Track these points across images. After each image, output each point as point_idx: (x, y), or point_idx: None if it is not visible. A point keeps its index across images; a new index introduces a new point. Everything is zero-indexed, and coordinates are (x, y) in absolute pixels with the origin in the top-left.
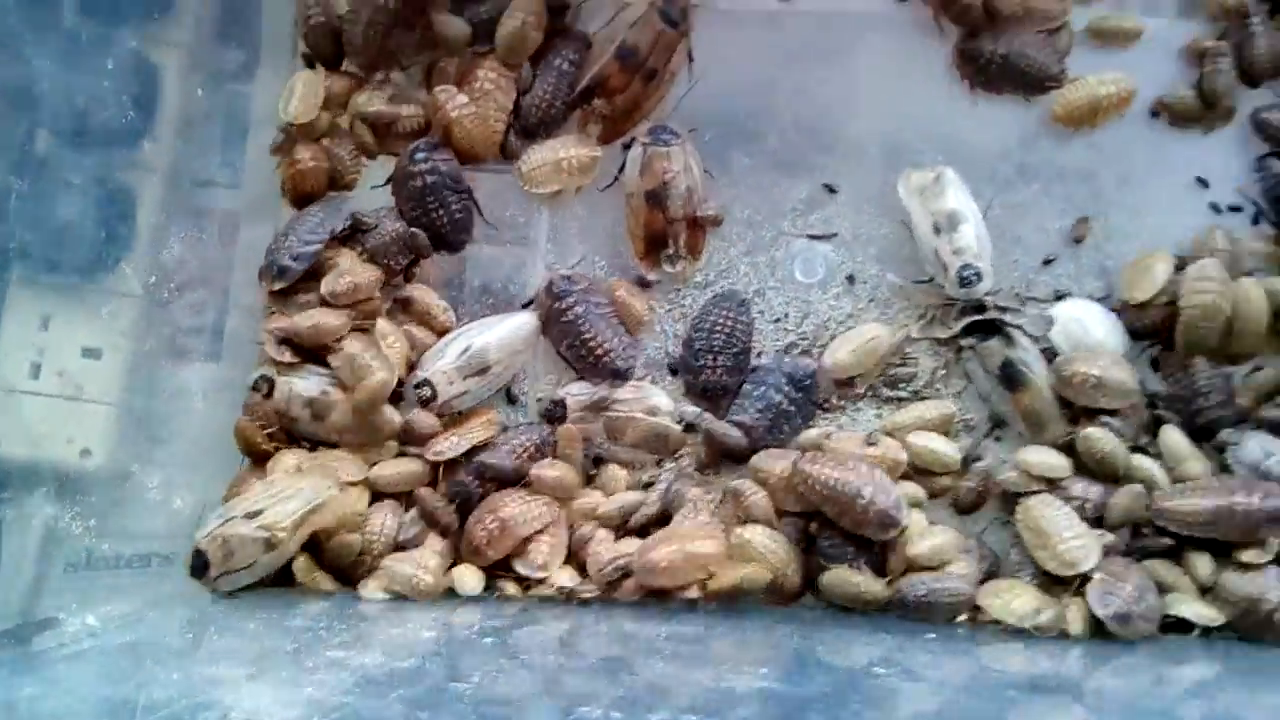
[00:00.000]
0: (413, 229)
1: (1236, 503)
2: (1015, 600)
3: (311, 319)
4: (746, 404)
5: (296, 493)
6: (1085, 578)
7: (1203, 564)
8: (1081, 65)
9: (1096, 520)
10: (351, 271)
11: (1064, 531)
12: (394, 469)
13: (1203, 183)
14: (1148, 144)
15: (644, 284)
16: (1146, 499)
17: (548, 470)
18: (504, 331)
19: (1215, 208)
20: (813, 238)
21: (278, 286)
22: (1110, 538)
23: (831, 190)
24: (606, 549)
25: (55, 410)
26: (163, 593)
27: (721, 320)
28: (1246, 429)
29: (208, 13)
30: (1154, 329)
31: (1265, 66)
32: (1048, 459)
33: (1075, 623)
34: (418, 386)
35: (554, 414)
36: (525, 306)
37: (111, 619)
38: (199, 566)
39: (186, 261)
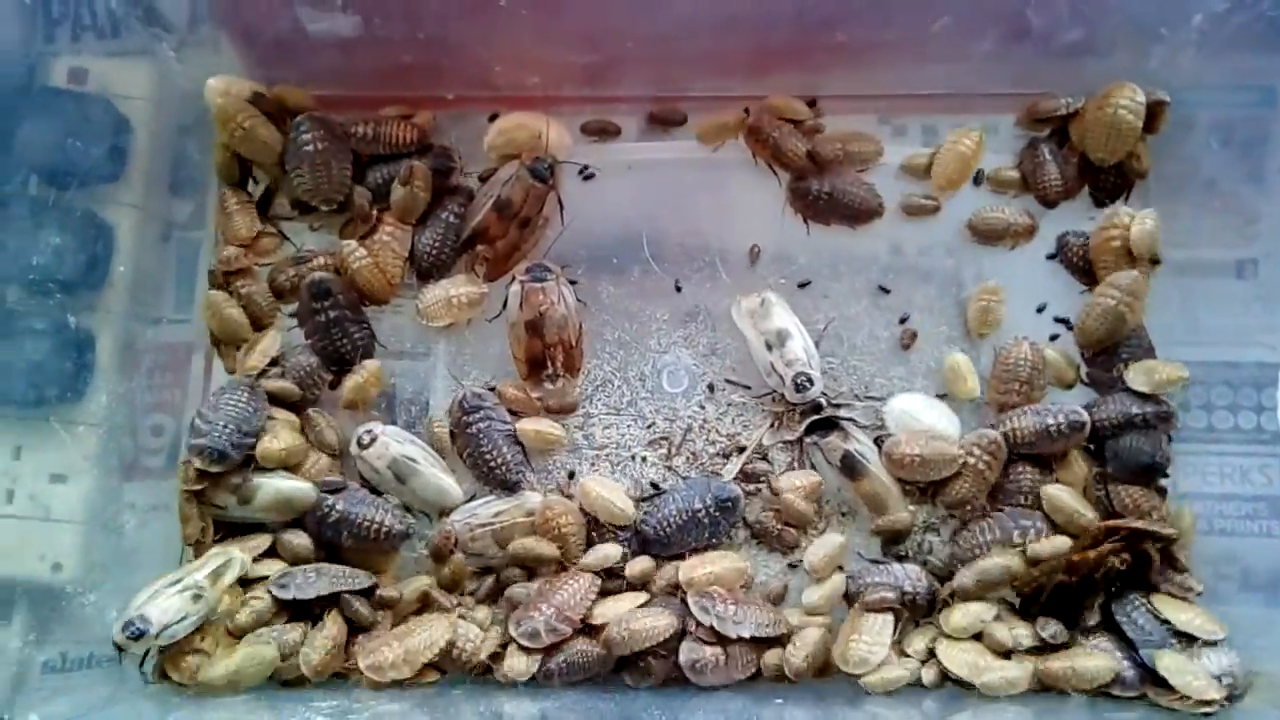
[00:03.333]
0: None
1: None
2: None
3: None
4: (668, 501)
5: (210, 558)
6: None
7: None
8: (898, 197)
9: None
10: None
11: None
12: None
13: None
14: (967, 260)
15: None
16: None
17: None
18: (436, 481)
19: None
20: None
21: (215, 470)
22: None
23: (679, 288)
24: None
25: (29, 530)
26: (106, 693)
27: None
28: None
29: (159, 172)
30: None
31: (1057, 191)
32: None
33: None
34: (362, 433)
35: (440, 552)
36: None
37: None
38: (136, 633)
39: (144, 391)
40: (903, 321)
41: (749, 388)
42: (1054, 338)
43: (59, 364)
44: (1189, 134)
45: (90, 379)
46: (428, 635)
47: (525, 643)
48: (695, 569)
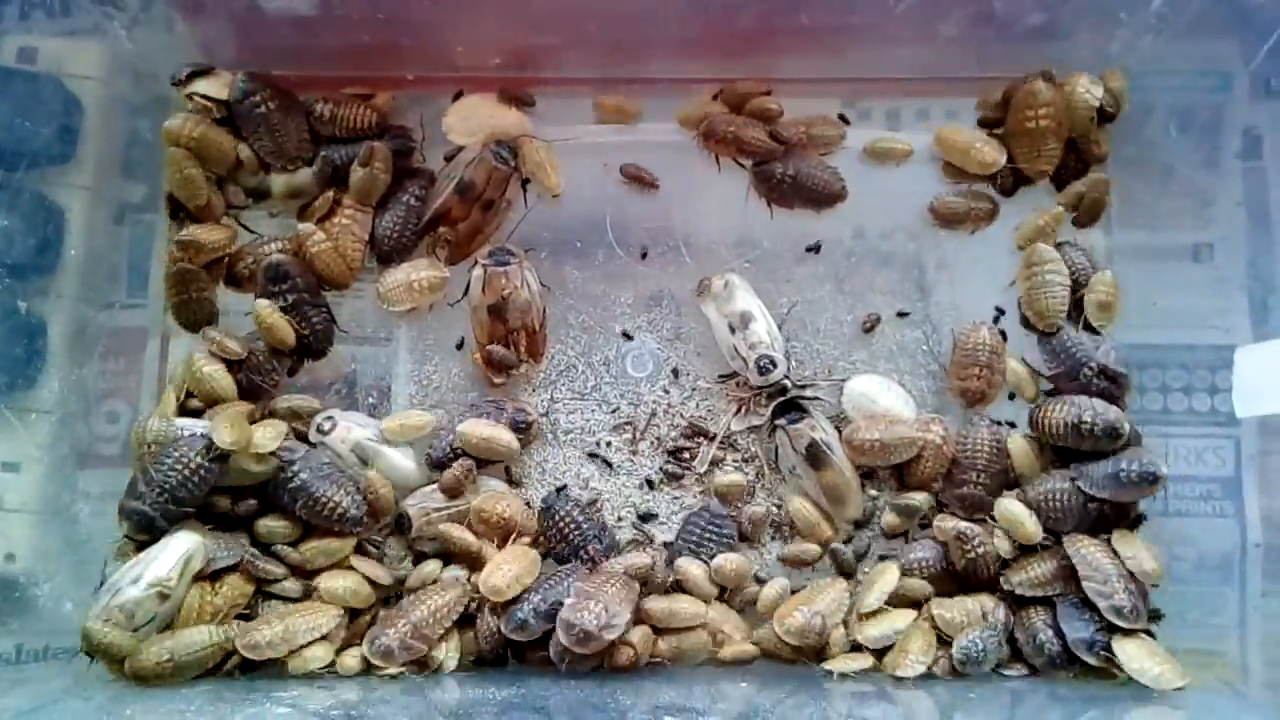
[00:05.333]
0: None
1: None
2: None
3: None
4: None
5: (172, 548)
6: None
7: None
8: (861, 181)
9: None
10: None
11: None
12: None
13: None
14: (928, 243)
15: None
16: None
17: None
18: (400, 461)
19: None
20: None
21: (140, 538)
22: None
23: (644, 255)
24: None
25: None
26: (63, 685)
27: (565, 521)
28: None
29: (111, 153)
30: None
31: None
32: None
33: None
34: (321, 420)
35: (402, 526)
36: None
37: (7, 711)
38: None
39: (97, 377)
40: (901, 315)
41: (735, 376)
42: (998, 317)
43: (9, 350)
44: (1148, 118)
45: (42, 365)
46: (312, 619)
47: (378, 662)
48: (492, 574)
